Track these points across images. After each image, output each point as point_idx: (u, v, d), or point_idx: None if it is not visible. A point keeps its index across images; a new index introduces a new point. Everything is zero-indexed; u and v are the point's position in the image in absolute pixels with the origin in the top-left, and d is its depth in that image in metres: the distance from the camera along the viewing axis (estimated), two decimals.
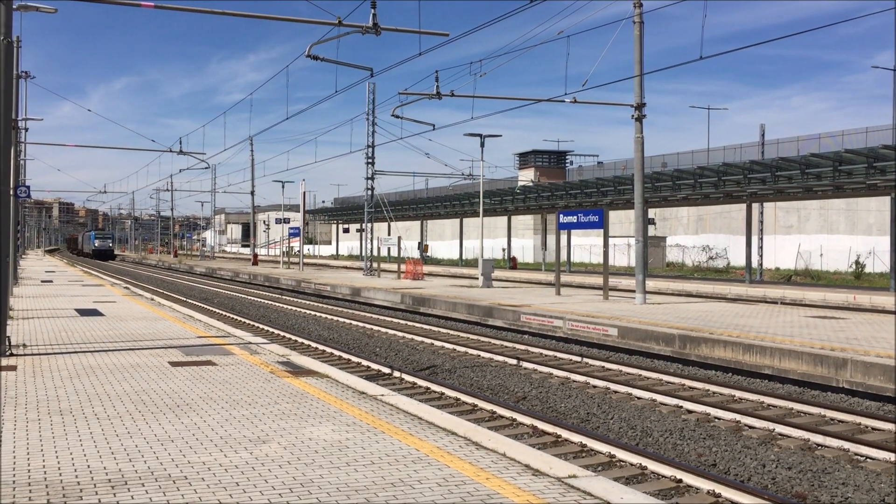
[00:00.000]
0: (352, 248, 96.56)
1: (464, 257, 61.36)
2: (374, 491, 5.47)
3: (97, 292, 27.01)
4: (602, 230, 24.15)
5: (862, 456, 8.90)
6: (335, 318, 23.89)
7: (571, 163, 75.46)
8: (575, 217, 25.17)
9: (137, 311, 19.92)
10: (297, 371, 10.71)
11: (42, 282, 33.16)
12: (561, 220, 25.57)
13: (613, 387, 12.73)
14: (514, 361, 15.34)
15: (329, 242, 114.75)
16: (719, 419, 10.62)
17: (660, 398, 11.77)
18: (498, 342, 18.14)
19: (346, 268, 60.36)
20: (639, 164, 23.15)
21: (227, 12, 14.36)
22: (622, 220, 59.41)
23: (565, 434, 9.52)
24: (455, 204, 56.63)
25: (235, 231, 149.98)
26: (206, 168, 47.16)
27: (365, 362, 15.26)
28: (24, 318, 17.18)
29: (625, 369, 14.49)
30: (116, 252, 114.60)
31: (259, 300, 31.78)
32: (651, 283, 30.40)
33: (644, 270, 23.00)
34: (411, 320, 23.09)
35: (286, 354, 12.49)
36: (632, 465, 8.37)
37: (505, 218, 58.66)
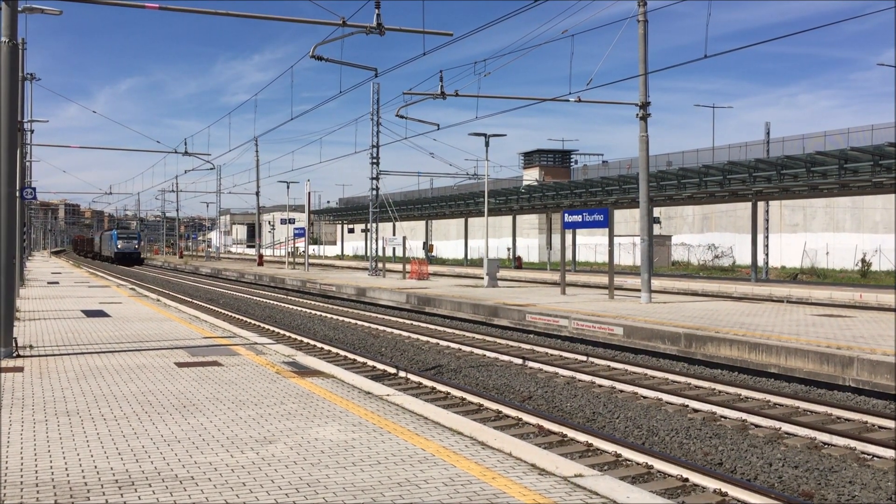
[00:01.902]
0: (357, 249, 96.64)
1: (469, 257, 61.36)
2: (381, 491, 5.47)
3: (103, 293, 27.07)
4: (607, 229, 24.12)
5: (869, 454, 8.88)
6: (341, 319, 23.91)
7: (576, 162, 75.46)
8: (580, 216, 25.15)
9: (143, 312, 19.97)
10: (303, 371, 10.72)
11: (48, 283, 33.25)
12: (566, 219, 25.55)
13: (619, 386, 12.72)
14: (519, 361, 15.34)
15: (334, 243, 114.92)
16: (725, 418, 10.60)
17: (666, 397, 11.76)
18: (503, 342, 18.13)
19: (351, 268, 60.40)
20: (644, 163, 23.12)
21: (230, 13, 14.38)
22: (627, 219, 59.36)
23: (571, 433, 9.52)
24: (460, 204, 56.63)
25: (241, 232, 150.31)
26: (211, 169, 47.32)
27: (370, 362, 15.27)
28: (31, 320, 17.23)
29: (630, 368, 14.48)
30: None
31: (264, 301, 31.82)
32: (656, 282, 30.36)
33: (649, 269, 22.97)
34: (417, 320, 23.10)
35: (292, 354, 12.50)
36: (638, 464, 8.36)
37: (510, 217, 58.67)
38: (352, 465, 6.12)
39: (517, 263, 53.71)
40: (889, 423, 10.11)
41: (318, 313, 25.76)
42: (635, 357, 15.93)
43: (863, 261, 43.69)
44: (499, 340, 18.33)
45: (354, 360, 15.77)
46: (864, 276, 40.83)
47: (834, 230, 52.32)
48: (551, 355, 16.25)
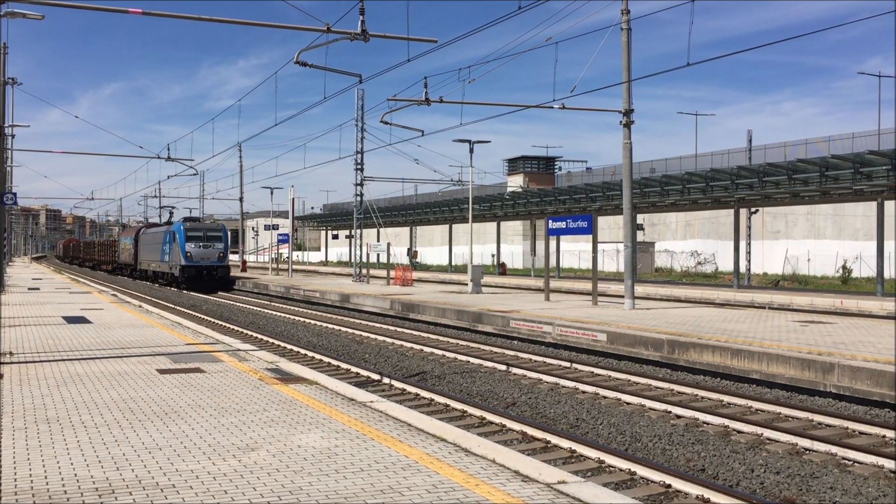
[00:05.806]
0: (341, 255, 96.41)
1: (453, 263, 61.34)
2: (364, 498, 5.46)
3: (85, 300, 26.86)
4: (591, 236, 24.20)
5: (850, 460, 8.94)
6: (324, 325, 23.83)
7: (560, 168, 75.70)
8: (564, 223, 25.21)
9: (125, 318, 19.83)
10: (286, 378, 10.68)
11: (29, 289, 32.96)
12: (550, 225, 25.62)
13: (602, 392, 12.75)
14: (503, 367, 15.34)
15: (318, 249, 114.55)
16: (708, 424, 10.65)
17: (649, 403, 11.80)
18: (487, 348, 18.13)
19: (335, 274, 60.21)
20: (627, 170, 23.22)
21: (215, 18, 14.35)
22: (611, 226, 59.57)
23: (555, 440, 9.53)
24: (444, 210, 56.67)
25: None
26: (194, 174, 46.79)
27: (354, 369, 15.23)
28: (11, 326, 17.06)
29: (614, 374, 14.51)
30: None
31: (248, 307, 31.68)
32: (640, 289, 30.49)
33: (633, 276, 23.05)
34: (401, 326, 23.06)
35: (275, 361, 12.45)
36: (621, 470, 8.38)
37: (494, 224, 58.71)
38: (335, 472, 6.10)
39: (501, 270, 53.77)
40: (870, 429, 10.19)
41: (302, 319, 25.67)
42: (619, 363, 15.97)
43: (844, 268, 44.04)
44: (483, 347, 18.34)
45: (338, 366, 15.72)
46: (845, 283, 41.16)
47: (815, 237, 52.74)
48: (535, 361, 16.27)
